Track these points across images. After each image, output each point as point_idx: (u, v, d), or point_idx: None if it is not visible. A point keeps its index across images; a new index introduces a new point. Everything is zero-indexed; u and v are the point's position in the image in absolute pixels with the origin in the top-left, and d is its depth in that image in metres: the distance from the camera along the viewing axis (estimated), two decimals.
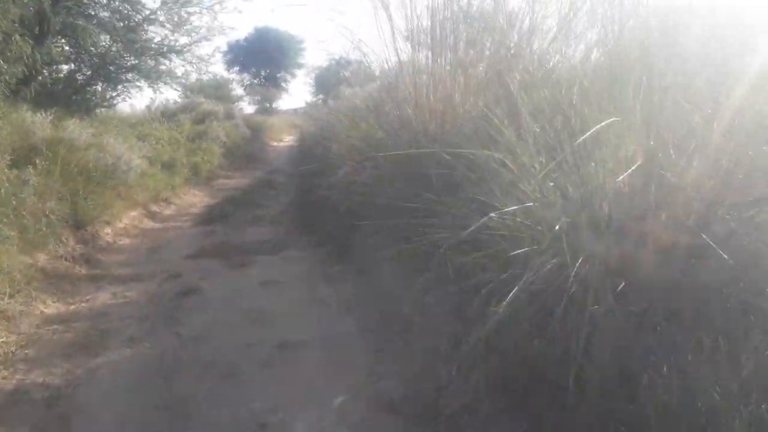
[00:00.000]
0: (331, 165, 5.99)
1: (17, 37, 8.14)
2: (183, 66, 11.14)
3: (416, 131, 4.59)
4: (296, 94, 51.23)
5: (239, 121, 15.53)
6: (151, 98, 13.50)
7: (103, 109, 11.63)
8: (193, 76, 11.68)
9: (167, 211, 9.18)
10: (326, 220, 6.15)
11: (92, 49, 10.47)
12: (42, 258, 5.34)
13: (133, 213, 8.17)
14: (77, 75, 10.58)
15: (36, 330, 3.98)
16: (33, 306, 4.36)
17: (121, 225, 7.49)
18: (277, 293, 4.68)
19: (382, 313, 3.89)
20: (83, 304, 4.65)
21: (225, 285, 5.01)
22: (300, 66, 38.13)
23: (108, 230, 7.05)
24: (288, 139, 19.18)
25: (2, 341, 3.66)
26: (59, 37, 10.30)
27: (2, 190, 5.39)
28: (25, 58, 9.58)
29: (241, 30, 39.81)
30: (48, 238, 5.55)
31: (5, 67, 7.72)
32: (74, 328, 4.09)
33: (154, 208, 8.99)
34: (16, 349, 3.62)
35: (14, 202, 5.33)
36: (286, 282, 4.93)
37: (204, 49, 13.23)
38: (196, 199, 10.40)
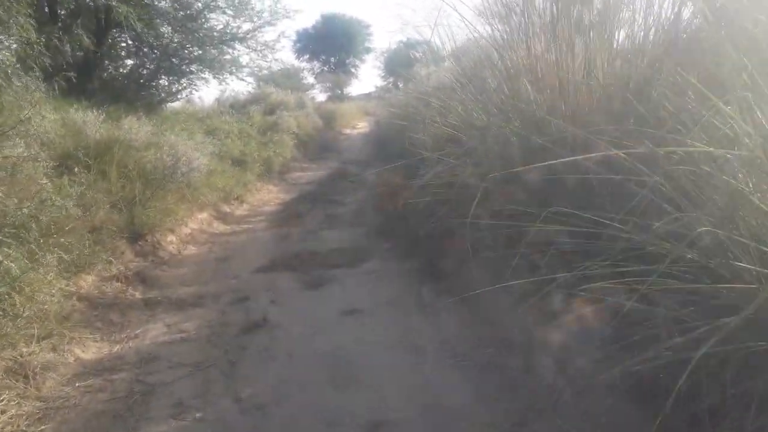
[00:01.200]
0: (415, 158, 4.84)
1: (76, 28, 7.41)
2: (248, 54, 10.23)
3: (536, 112, 3.34)
4: (366, 79, 50.27)
5: (311, 110, 14.58)
6: (221, 90, 12.70)
7: (169, 104, 10.92)
8: (260, 64, 10.75)
9: (239, 211, 8.28)
10: (411, 224, 5.01)
11: (153, 41, 9.69)
12: (89, 281, 4.44)
13: (202, 216, 7.29)
14: (140, 69, 9.84)
15: (63, 390, 3.03)
16: (67, 352, 3.43)
17: (188, 231, 6.60)
18: (361, 329, 3.55)
19: (504, 371, 2.72)
20: (130, 344, 3.69)
21: (299, 314, 3.94)
22: (368, 51, 37.26)
23: (172, 238, 6.16)
24: (361, 126, 18.13)
25: (12, 414, 2.72)
26: (120, 30, 9.57)
27: (41, 203, 4.54)
28: (84, 51, 8.91)
29: (309, 16, 39.16)
30: (97, 255, 4.66)
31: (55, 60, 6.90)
32: (112, 384, 3.12)
33: (225, 208, 8.10)
34: (27, 427, 2.67)
35: (55, 216, 4.46)
36: (372, 311, 3.80)
37: (269, 35, 12.17)
38: (270, 196, 9.47)
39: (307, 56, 36.32)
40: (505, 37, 3.96)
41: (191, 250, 6.12)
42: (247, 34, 9.94)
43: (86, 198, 5.14)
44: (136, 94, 9.35)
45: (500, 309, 3.20)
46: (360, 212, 7.41)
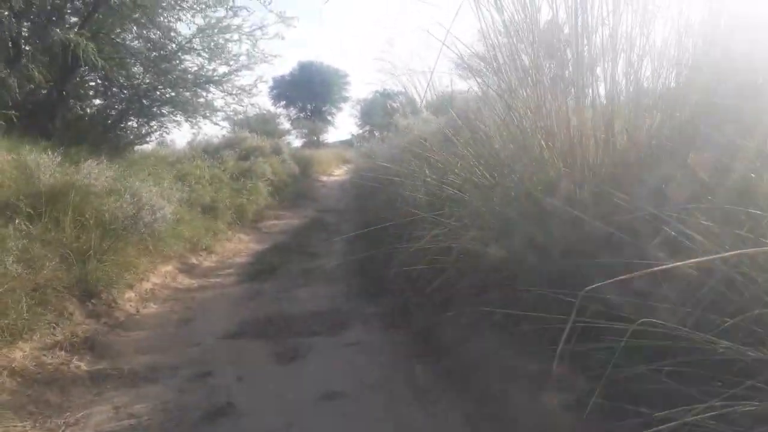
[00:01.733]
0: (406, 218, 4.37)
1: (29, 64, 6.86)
2: (223, 98, 9.76)
3: (549, 170, 2.89)
4: (342, 126, 50.26)
5: (286, 156, 14.10)
6: (193, 133, 12.18)
7: (140, 147, 10.34)
8: (235, 108, 10.28)
9: (207, 263, 7.65)
10: (398, 287, 4.50)
11: (123, 81, 9.18)
12: (25, 351, 3.79)
13: (166, 268, 6.66)
14: (108, 110, 9.29)
15: None
16: None
17: (149, 286, 5.96)
18: (344, 421, 2.96)
19: None
20: None
21: (271, 397, 3.33)
22: (345, 99, 37.27)
23: (130, 295, 5.52)
24: (338, 174, 17.72)
25: None
26: (88, 68, 9.04)
27: None
28: (46, 89, 8.36)
29: (286, 64, 39.30)
30: (38, 320, 4.02)
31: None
32: None
33: (193, 259, 7.47)
34: None
35: None
36: (357, 396, 3.21)
37: (245, 79, 11.76)
38: (241, 246, 8.87)
39: (284, 102, 36.22)
40: (504, 86, 3.56)
41: (151, 308, 5.47)
42: (223, 77, 9.51)
43: (32, 251, 4.52)
44: (102, 136, 8.78)
45: (516, 399, 2.67)
46: (339, 268, 6.85)
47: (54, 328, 4.20)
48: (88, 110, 9.41)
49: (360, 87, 70.23)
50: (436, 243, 3.30)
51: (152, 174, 8.82)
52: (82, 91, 9.50)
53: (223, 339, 4.54)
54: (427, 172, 4.35)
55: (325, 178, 16.35)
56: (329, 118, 36.72)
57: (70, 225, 5.40)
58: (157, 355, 4.21)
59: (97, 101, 9.73)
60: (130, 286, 5.65)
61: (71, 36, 6.88)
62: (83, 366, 3.90)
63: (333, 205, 12.46)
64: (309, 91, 35.34)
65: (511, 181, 2.94)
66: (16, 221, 4.79)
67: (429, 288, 3.33)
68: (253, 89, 9.73)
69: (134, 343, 4.50)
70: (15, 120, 8.03)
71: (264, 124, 20.19)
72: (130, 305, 5.35)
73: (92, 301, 4.96)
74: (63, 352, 3.98)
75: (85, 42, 6.96)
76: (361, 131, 35.19)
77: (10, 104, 8.02)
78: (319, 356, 3.96)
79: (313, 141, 31.35)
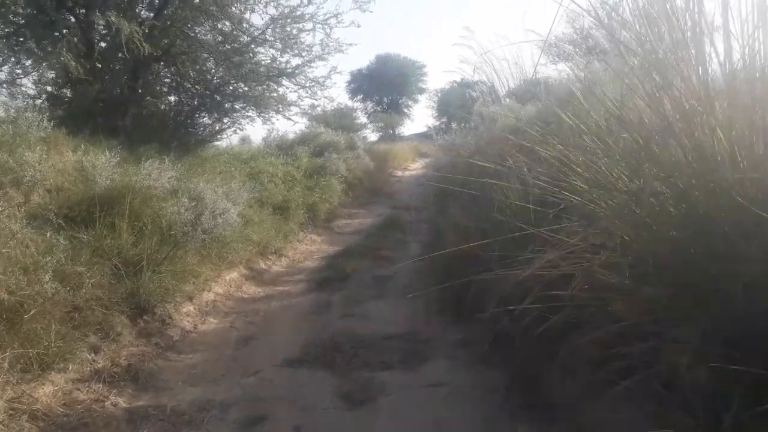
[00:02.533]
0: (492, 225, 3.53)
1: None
2: (296, 91, 9.16)
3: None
4: (418, 118, 49.34)
5: (361, 151, 13.45)
6: (268, 129, 11.72)
7: (214, 143, 9.94)
8: (309, 102, 9.68)
9: (277, 267, 7.07)
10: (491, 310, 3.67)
11: (195, 75, 8.75)
12: (57, 385, 3.25)
13: (231, 276, 6.10)
14: (180, 107, 8.90)
15: None
16: None
17: (210, 297, 5.41)
18: None
19: None
20: None
21: None
22: (422, 91, 36.35)
23: (189, 309, 4.97)
24: (414, 168, 16.92)
25: None
26: (162, 64, 8.68)
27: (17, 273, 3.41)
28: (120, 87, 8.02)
29: (363, 57, 38.82)
30: (75, 345, 3.47)
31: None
32: None
33: (261, 264, 6.91)
34: None
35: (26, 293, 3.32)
36: None
37: (319, 70, 11.01)
38: (312, 248, 8.26)
39: (361, 96, 35.72)
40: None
41: (210, 323, 4.90)
42: (296, 69, 8.90)
43: (75, 264, 4.00)
44: (172, 133, 8.38)
45: None
46: (416, 275, 6.09)
47: (96, 353, 3.65)
48: (162, 107, 9.05)
49: (437, 78, 69.00)
50: (548, 269, 2.45)
51: (223, 173, 8.37)
52: (157, 88, 9.16)
53: (283, 367, 3.88)
54: (526, 170, 3.48)
55: (400, 173, 15.61)
56: (405, 110, 35.94)
57: (127, 231, 4.89)
58: (207, 387, 3.60)
59: (172, 98, 9.38)
60: (190, 298, 5.10)
61: (113, 19, 6.40)
62: (121, 402, 3.32)
63: (409, 202, 11.69)
64: (386, 83, 34.68)
65: (672, 185, 2.04)
66: (64, 226, 4.29)
67: (538, 328, 2.48)
68: (326, 81, 9.11)
69: (185, 369, 3.90)
70: (102, 119, 7.77)
71: (341, 119, 19.69)
72: (188, 321, 4.79)
73: (144, 317, 4.43)
74: (101, 385, 3.43)
75: (128, 26, 6.47)
76: (437, 123, 34.32)
77: (82, 102, 7.76)
78: (393, 401, 3.21)
79: (389, 134, 30.72)
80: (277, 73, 8.91)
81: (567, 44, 15.19)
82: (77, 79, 7.44)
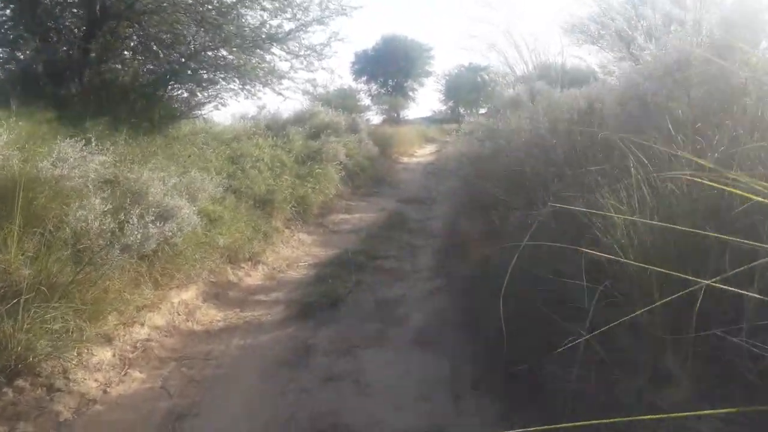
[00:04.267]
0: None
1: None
2: (289, 60, 7.42)
3: None
4: (423, 102, 47.26)
5: (364, 134, 11.70)
6: (258, 107, 9.97)
7: (195, 119, 8.23)
8: (304, 75, 7.94)
9: (249, 280, 5.42)
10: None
11: (166, 38, 7.03)
12: None
13: (184, 296, 4.46)
14: (144, 75, 7.18)
15: None
16: None
17: (143, 333, 3.76)
18: None
19: None
20: None
21: None
22: (428, 74, 34.50)
23: (104, 356, 3.34)
24: (421, 154, 15.19)
25: None
26: (122, 22, 6.94)
27: None
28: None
29: (369, 38, 36.88)
30: None
31: None
32: None
33: (229, 275, 5.25)
34: None
35: None
36: None
37: (316, 36, 8.91)
38: (299, 251, 6.59)
39: (365, 78, 33.85)
40: None
41: (132, 381, 3.25)
42: (289, 34, 7.15)
43: None
44: (132, 107, 6.66)
45: None
46: (433, 306, 4.44)
47: None
48: (124, 76, 7.32)
49: (444, 61, 66.61)
50: None
51: (193, 156, 6.68)
52: (121, 52, 7.43)
53: None
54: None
55: (406, 160, 13.89)
56: (411, 93, 34.08)
57: (17, 243, 3.23)
58: None
59: (138, 64, 7.63)
60: (109, 339, 3.46)
61: None
62: None
63: (416, 194, 10.01)
64: (391, 65, 32.77)
65: None
66: None
67: None
68: (325, 49, 7.35)
69: None
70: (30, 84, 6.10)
71: (344, 99, 17.94)
72: (96, 380, 3.15)
73: (18, 382, 2.78)
74: None
75: None
76: (444, 107, 32.52)
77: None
78: None
79: (393, 117, 28.93)
80: (265, 38, 7.16)
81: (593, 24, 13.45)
82: (13, 37, 5.75)
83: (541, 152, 3.74)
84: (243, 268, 5.53)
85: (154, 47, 7.15)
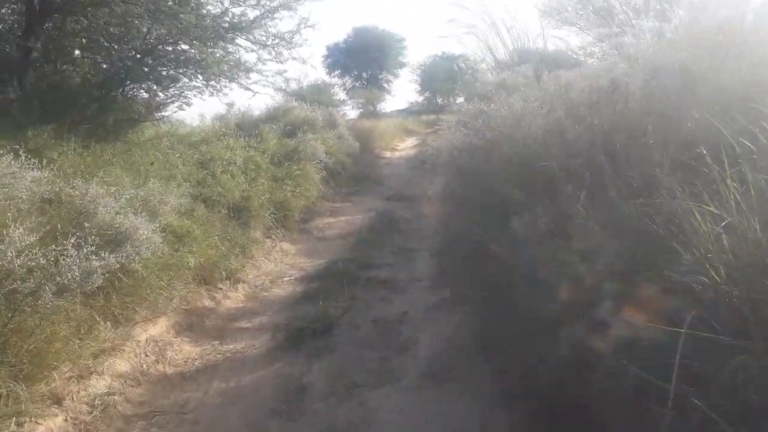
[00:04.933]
0: None
1: None
2: (255, 51, 6.71)
3: None
4: (399, 94, 46.52)
5: (343, 129, 11.04)
6: (227, 105, 9.24)
7: (153, 123, 7.47)
8: (273, 67, 7.24)
9: (229, 302, 4.76)
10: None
11: (117, 32, 6.31)
12: None
13: (153, 331, 3.80)
14: (96, 74, 6.44)
15: None
16: None
17: (101, 386, 3.10)
18: None
19: None
20: None
21: None
22: (402, 65, 33.81)
23: (51, 424, 2.68)
24: (403, 147, 14.57)
25: None
26: (67, 17, 6.20)
27: None
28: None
29: (340, 30, 36.26)
30: None
31: None
32: None
33: (205, 300, 4.59)
34: None
35: None
36: None
37: (285, 24, 7.94)
38: (283, 264, 5.94)
39: (339, 72, 33.06)
40: None
41: None
42: (253, 22, 6.46)
43: None
44: (82, 111, 5.92)
45: None
46: (443, 325, 3.85)
47: None
48: (75, 77, 6.56)
49: (418, 52, 65.95)
50: None
51: (157, 163, 5.99)
52: (66, 49, 6.66)
53: None
54: None
55: (388, 154, 13.25)
56: (386, 86, 33.38)
57: None
58: None
59: (92, 64, 6.87)
60: (57, 401, 2.80)
61: None
62: None
63: (403, 191, 9.41)
64: (364, 57, 32.01)
65: None
66: None
67: None
68: (294, 37, 6.67)
69: None
70: None
71: (318, 94, 17.24)
72: None
73: None
74: None
75: None
76: (421, 98, 31.94)
77: None
78: None
79: (369, 111, 28.28)
80: (228, 28, 6.46)
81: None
82: None
83: (562, 142, 3.16)
84: (220, 289, 4.87)
85: (105, 43, 6.40)
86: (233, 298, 4.84)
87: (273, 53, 6.63)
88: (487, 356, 3.07)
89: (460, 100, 30.35)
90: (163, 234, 4.33)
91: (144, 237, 3.67)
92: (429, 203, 8.22)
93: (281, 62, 6.67)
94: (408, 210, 7.99)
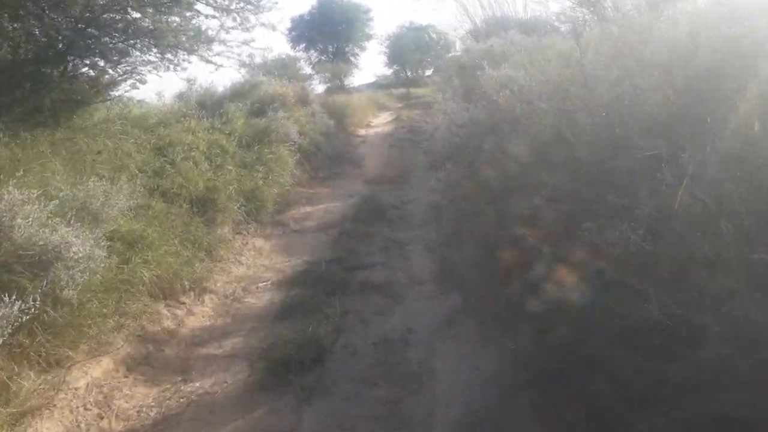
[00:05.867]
0: None
1: None
2: (217, 18, 5.74)
3: None
4: (366, 68, 45.16)
5: (317, 106, 10.08)
6: (187, 81, 8.22)
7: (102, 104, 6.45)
8: (237, 36, 6.25)
9: (193, 320, 3.92)
10: None
11: None
12: None
13: (95, 373, 2.96)
14: (28, 48, 5.40)
15: None
16: None
17: None
18: None
19: None
20: None
21: None
22: (369, 37, 32.59)
23: None
24: (377, 124, 13.69)
25: None
26: None
27: None
28: None
29: (303, 1, 34.73)
30: None
31: None
32: None
33: (165, 320, 3.74)
34: None
35: None
36: None
37: None
38: (256, 265, 5.09)
39: (303, 45, 31.65)
40: None
41: None
42: None
43: None
44: (11, 91, 4.92)
45: None
46: (452, 334, 3.11)
47: None
48: (5, 52, 5.50)
49: (384, 23, 64.14)
50: None
51: (105, 152, 5.06)
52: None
53: None
54: None
55: (363, 132, 12.36)
56: (353, 59, 32.18)
57: None
58: None
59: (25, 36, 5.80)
60: None
61: None
62: None
63: (384, 172, 8.61)
64: (330, 30, 30.67)
65: None
66: None
67: None
68: (261, 1, 5.69)
69: None
70: None
71: (283, 70, 16.14)
72: None
73: None
74: None
75: None
76: (389, 71, 30.90)
77: None
78: None
79: (337, 85, 27.17)
80: None
81: None
82: None
83: (634, 119, 2.40)
84: (183, 303, 4.03)
85: (36, 9, 5.36)
86: (199, 314, 4.00)
87: (238, 19, 5.67)
88: (539, 397, 2.34)
89: (429, 72, 29.47)
90: (110, 243, 3.47)
91: (80, 255, 2.80)
92: (412, 186, 7.46)
93: (247, 30, 5.72)
94: (393, 195, 7.20)
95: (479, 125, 4.50)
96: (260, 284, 4.57)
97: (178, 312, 3.91)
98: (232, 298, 4.31)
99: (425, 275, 4.38)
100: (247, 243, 5.44)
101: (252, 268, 4.93)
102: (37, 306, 2.48)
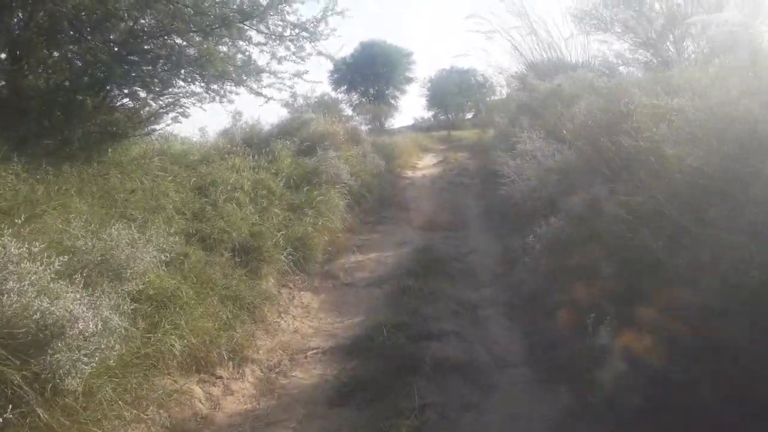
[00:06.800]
0: None
1: None
2: (269, 46, 5.11)
3: None
4: (405, 110, 44.87)
5: (368, 146, 9.42)
6: (233, 114, 7.64)
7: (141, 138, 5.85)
8: (290, 67, 5.58)
9: (231, 402, 3.13)
10: None
11: (102, 23, 4.75)
12: None
13: None
14: (67, 80, 4.84)
15: None
16: None
17: None
18: None
19: None
20: None
21: None
22: (409, 80, 32.36)
23: None
24: (423, 166, 12.95)
25: None
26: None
27: None
28: None
29: (347, 45, 34.74)
30: None
31: None
32: None
33: (197, 402, 2.96)
34: None
35: None
36: None
37: (306, 9, 5.86)
38: (304, 327, 4.28)
39: (345, 87, 31.59)
40: None
41: None
42: (268, 7, 4.90)
43: None
44: (39, 123, 4.32)
45: None
46: None
47: None
48: (40, 83, 4.97)
49: (425, 67, 64.43)
50: None
51: (139, 191, 4.41)
52: (39, 46, 5.07)
53: None
54: None
55: (410, 173, 11.65)
56: (393, 102, 31.92)
57: None
58: None
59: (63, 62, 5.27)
60: None
61: None
62: None
63: (437, 218, 7.78)
64: (371, 73, 30.52)
65: None
66: None
67: None
68: (319, 26, 5.04)
69: None
70: None
71: (326, 110, 15.72)
72: None
73: None
74: None
75: None
76: (428, 115, 30.45)
77: None
78: None
79: (377, 127, 26.76)
80: (237, 16, 4.87)
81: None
82: None
83: None
84: (219, 378, 3.25)
85: (73, 32, 4.81)
86: (238, 393, 3.21)
87: (292, 47, 5.02)
88: None
89: (470, 115, 28.91)
90: (135, 304, 2.74)
91: (89, 331, 2.05)
92: (469, 233, 6.64)
93: (302, 59, 5.06)
94: (447, 243, 6.38)
95: (575, 169, 3.69)
96: (309, 353, 3.77)
97: (214, 390, 3.13)
98: (277, 371, 3.52)
99: (513, 354, 3.53)
100: (293, 298, 4.67)
101: (299, 331, 4.14)
102: (28, 406, 1.73)
